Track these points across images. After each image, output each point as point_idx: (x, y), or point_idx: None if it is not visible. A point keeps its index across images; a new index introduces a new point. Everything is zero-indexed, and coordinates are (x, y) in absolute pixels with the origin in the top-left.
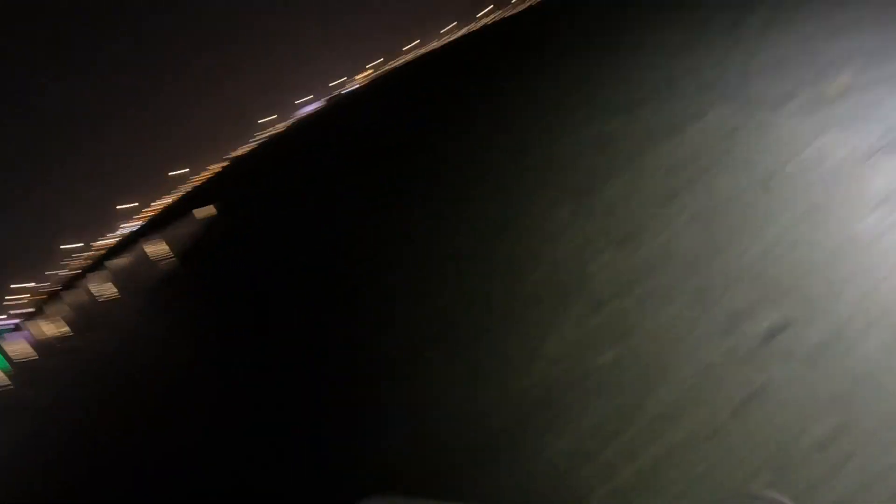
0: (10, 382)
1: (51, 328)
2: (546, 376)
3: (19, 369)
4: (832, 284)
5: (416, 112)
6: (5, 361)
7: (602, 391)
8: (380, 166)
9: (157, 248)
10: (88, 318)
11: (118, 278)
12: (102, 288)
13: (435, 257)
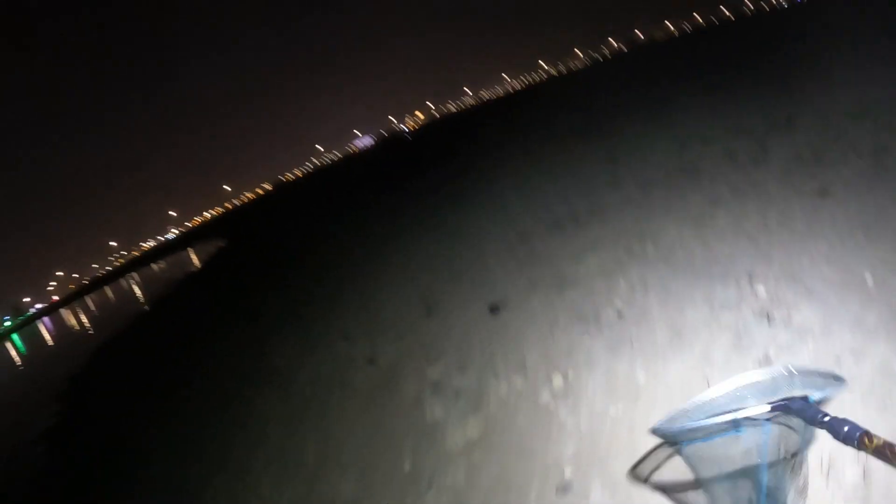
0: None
1: (73, 321)
2: None
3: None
4: None
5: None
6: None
7: None
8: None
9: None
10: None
11: (147, 283)
12: (132, 291)
13: None
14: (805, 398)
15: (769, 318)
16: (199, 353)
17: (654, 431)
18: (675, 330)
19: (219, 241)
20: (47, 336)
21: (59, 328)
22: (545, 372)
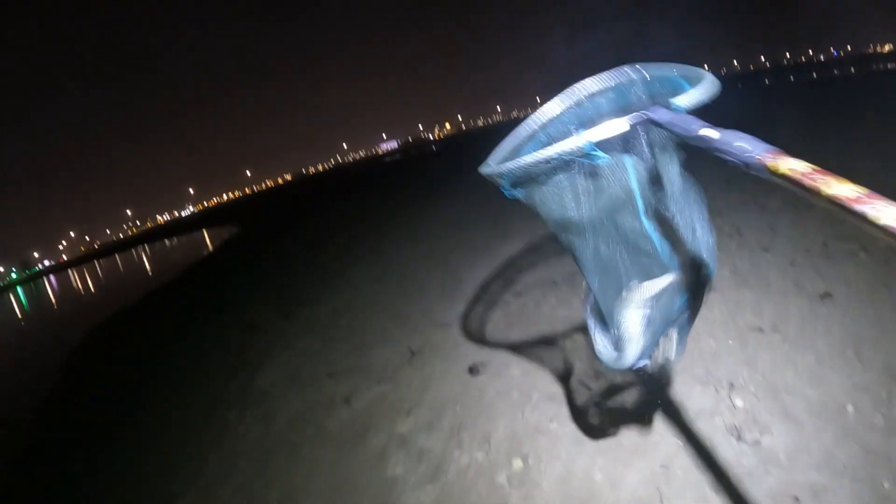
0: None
1: (79, 284)
2: None
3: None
4: None
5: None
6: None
7: None
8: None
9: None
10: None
11: (157, 259)
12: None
13: None
14: (668, 106)
15: (739, 436)
16: (191, 353)
17: (483, 172)
18: (642, 434)
19: (233, 227)
20: (52, 296)
21: (64, 289)
22: (507, 452)
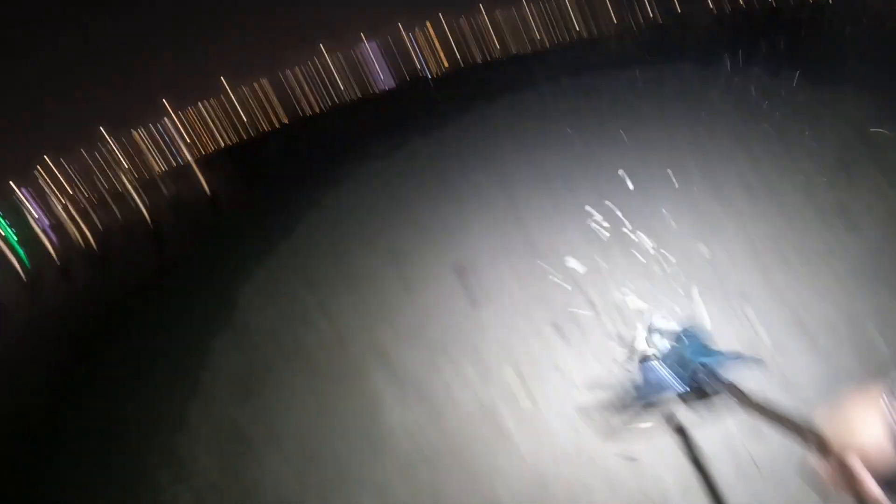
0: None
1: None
2: None
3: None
4: None
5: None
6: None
7: None
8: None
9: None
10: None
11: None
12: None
13: None
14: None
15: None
16: (180, 288)
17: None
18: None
19: (230, 169)
20: (51, 250)
21: (63, 242)
22: (498, 362)
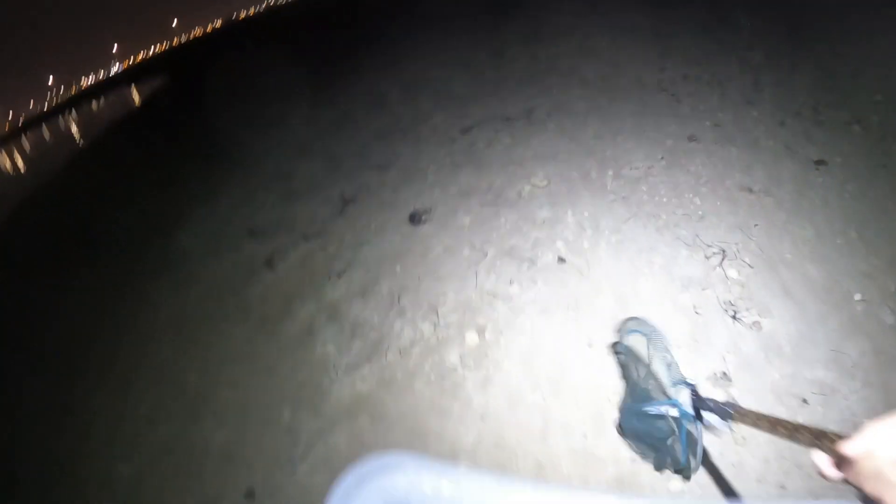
0: None
1: (7, 163)
2: None
3: None
4: None
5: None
6: None
7: None
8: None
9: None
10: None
11: (86, 124)
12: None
13: None
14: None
15: (735, 315)
16: (113, 218)
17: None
18: (620, 302)
19: (162, 79)
20: None
21: None
22: (458, 324)
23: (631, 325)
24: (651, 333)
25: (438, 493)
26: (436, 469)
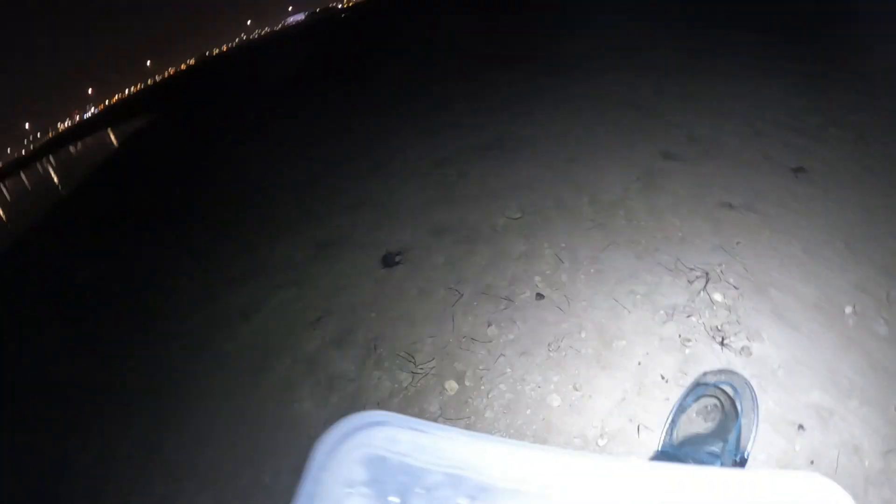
0: None
1: None
2: None
3: None
4: None
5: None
6: None
7: None
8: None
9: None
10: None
11: (64, 168)
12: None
13: None
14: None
15: (723, 342)
16: (95, 271)
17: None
18: (605, 340)
19: (139, 119)
20: None
21: None
22: (437, 372)
23: (722, 377)
24: (742, 388)
25: (416, 445)
26: (414, 424)
